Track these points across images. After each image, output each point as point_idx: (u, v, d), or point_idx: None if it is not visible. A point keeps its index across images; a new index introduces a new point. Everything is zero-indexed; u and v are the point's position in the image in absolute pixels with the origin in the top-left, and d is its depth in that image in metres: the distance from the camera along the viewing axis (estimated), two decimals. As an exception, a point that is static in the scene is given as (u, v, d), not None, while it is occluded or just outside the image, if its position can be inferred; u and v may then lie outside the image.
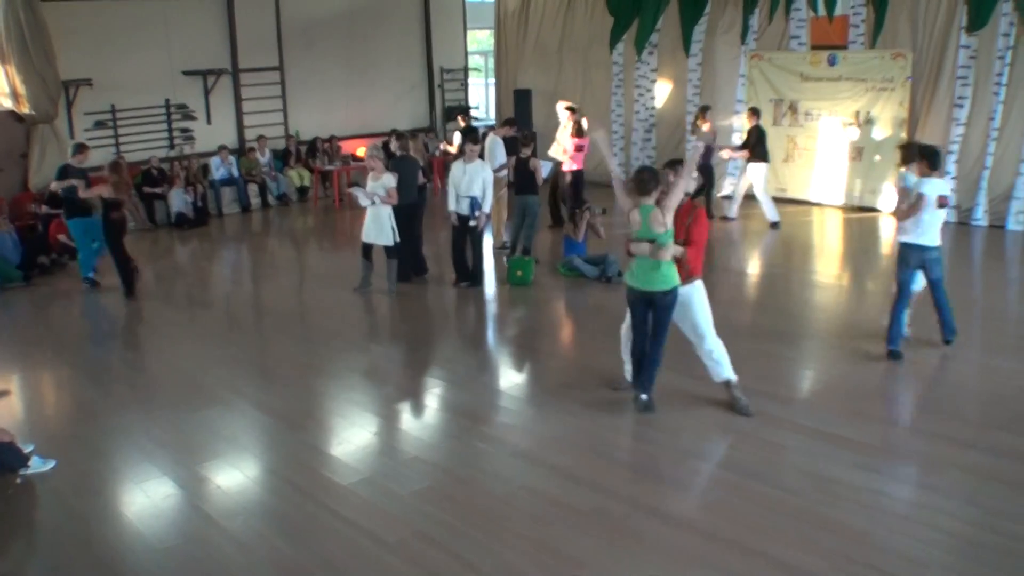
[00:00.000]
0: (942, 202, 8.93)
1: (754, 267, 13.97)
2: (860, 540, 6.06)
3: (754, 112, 15.81)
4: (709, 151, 15.24)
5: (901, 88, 15.73)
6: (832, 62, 16.55)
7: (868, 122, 16.11)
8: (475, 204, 11.92)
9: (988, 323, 10.47)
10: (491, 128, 16.62)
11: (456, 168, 11.97)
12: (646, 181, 7.66)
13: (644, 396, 8.00)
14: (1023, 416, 8.10)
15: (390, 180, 11.89)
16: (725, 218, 16.20)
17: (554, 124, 17.89)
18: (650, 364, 7.99)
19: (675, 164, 7.94)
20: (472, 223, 12.08)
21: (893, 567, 5.73)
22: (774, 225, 15.55)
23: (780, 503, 6.61)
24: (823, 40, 16.77)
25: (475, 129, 16.18)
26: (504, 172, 14.03)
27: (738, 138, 16.76)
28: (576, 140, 15.33)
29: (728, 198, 16.67)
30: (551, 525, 6.38)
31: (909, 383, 8.85)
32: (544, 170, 13.50)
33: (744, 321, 10.69)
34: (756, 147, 15.49)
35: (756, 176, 15.67)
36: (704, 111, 16.34)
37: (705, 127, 15.86)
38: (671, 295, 7.68)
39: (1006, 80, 14.60)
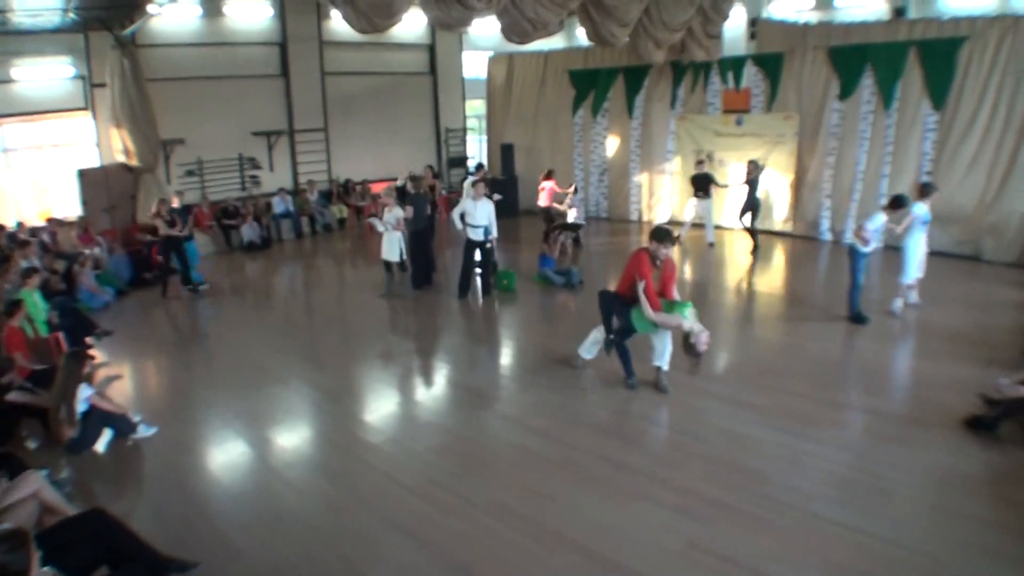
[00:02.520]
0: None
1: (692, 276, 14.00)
2: (761, 478, 6.13)
3: (700, 163, 15.79)
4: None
5: (791, 141, 15.77)
6: (739, 122, 16.58)
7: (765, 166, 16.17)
8: (487, 231, 11.95)
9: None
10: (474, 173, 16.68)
11: (468, 204, 11.93)
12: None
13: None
14: (883, 384, 8.18)
15: (399, 212, 12.09)
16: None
17: (532, 169, 18.02)
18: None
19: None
20: (488, 245, 12.11)
21: (787, 497, 5.82)
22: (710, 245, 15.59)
23: (702, 452, 6.66)
24: (732, 106, 16.80)
25: (488, 179, 16.27)
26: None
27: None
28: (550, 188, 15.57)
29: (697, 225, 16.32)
30: (530, 470, 6.42)
31: (798, 360, 8.87)
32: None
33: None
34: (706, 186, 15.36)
35: (708, 208, 15.64)
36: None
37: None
38: None
39: (868, 135, 14.67)
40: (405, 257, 12.41)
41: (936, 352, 8.96)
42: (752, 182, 14.41)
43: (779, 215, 16.29)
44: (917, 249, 10.17)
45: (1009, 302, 10.98)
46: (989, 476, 6.12)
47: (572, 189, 16.01)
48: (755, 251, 14.70)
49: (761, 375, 8.41)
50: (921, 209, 10.04)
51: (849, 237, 9.89)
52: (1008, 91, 12.97)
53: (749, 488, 5.98)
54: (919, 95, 13.92)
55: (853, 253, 9.87)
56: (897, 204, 9.77)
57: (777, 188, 16.18)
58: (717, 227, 15.99)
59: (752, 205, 14.56)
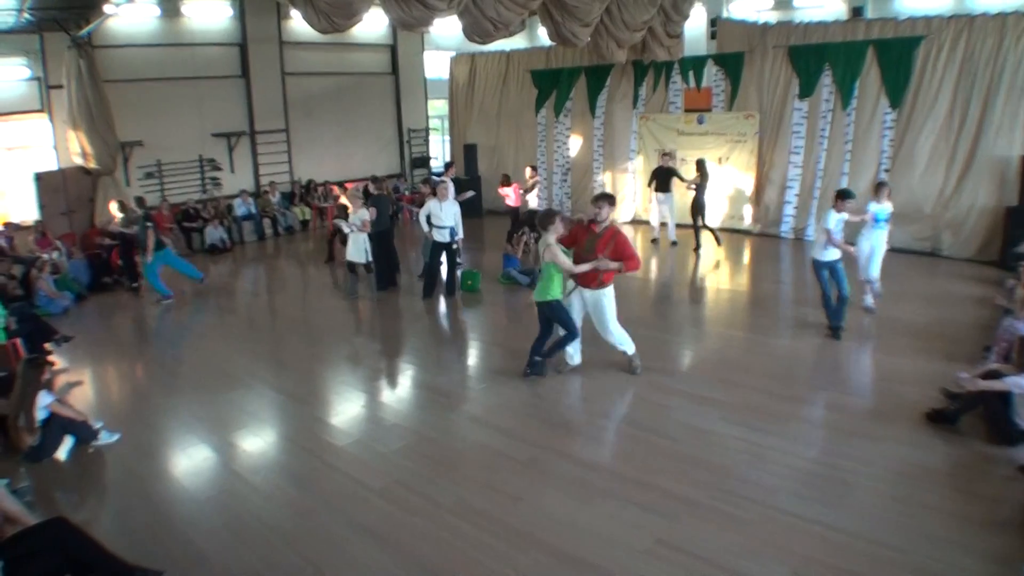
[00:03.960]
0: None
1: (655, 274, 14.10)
2: (726, 474, 6.19)
3: (668, 155, 15.84)
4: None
5: (752, 140, 15.94)
6: (700, 121, 16.70)
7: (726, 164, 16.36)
8: (452, 232, 11.95)
9: (817, 312, 10.60)
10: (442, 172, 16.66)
11: (434, 205, 11.84)
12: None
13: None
14: (846, 379, 8.30)
15: (364, 214, 12.07)
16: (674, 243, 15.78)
17: (496, 169, 17.97)
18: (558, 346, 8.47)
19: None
20: (455, 246, 12.15)
21: (751, 493, 5.87)
22: (674, 243, 15.61)
23: (667, 449, 6.70)
24: (693, 105, 16.92)
25: (459, 180, 16.28)
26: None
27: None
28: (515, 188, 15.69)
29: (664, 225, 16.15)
30: (497, 471, 6.42)
31: (760, 357, 8.96)
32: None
33: (643, 314, 10.80)
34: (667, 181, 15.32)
35: (671, 205, 15.63)
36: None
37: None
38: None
39: (828, 134, 14.88)
40: (371, 259, 12.38)
41: (898, 347, 9.10)
42: (700, 182, 14.61)
43: (740, 213, 16.46)
44: (866, 248, 10.31)
45: (968, 297, 11.17)
46: (951, 468, 6.23)
47: (530, 174, 15.93)
48: (697, 249, 14.82)
49: (725, 372, 8.49)
50: (875, 207, 10.20)
51: (814, 248, 9.77)
52: (964, 89, 13.22)
53: (714, 484, 6.03)
54: (877, 93, 14.15)
55: (816, 265, 9.57)
56: (843, 196, 9.51)
57: (738, 186, 16.35)
58: (678, 225, 15.93)
59: (698, 204, 14.68)
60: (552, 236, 7.84)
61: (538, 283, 8.19)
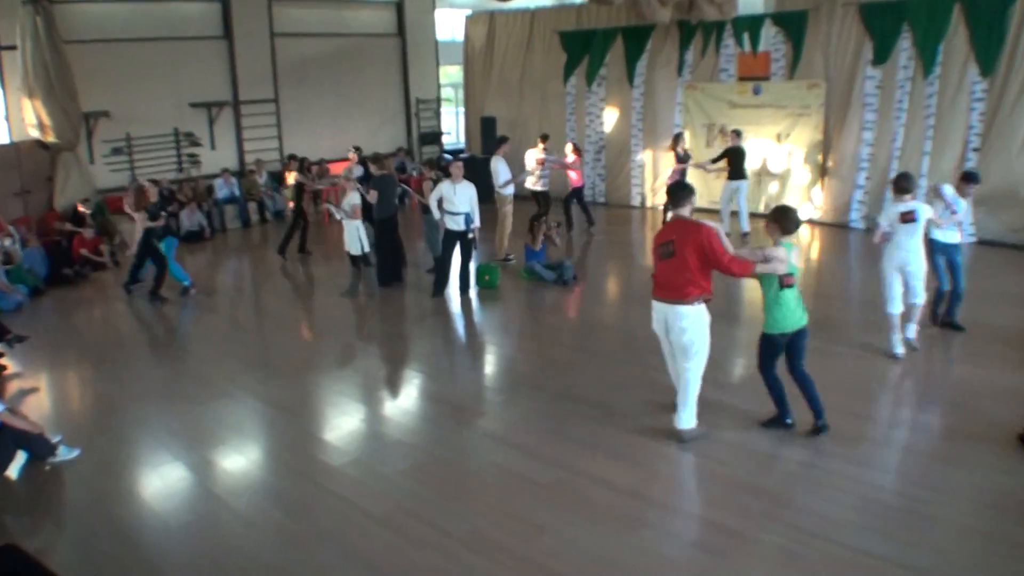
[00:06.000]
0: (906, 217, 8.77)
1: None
2: (783, 503, 6.14)
3: (736, 133, 15.26)
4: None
5: (816, 113, 15.84)
6: (756, 91, 16.63)
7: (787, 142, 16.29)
8: (468, 219, 11.88)
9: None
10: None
11: (446, 187, 11.76)
12: (795, 218, 7.09)
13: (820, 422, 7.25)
14: (924, 394, 8.24)
15: (355, 198, 12.07)
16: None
17: (518, 145, 17.88)
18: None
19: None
20: (470, 235, 12.04)
21: (813, 526, 5.81)
22: (744, 235, 15.19)
23: (713, 472, 6.68)
24: (749, 72, 16.83)
25: (474, 159, 16.28)
26: (511, 188, 14.08)
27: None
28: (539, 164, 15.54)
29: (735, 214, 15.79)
30: (516, 496, 6.42)
31: (825, 367, 8.87)
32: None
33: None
34: (735, 165, 15.10)
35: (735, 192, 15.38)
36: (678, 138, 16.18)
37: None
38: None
39: (906, 107, 14.75)
40: (368, 249, 12.38)
41: (987, 357, 9.00)
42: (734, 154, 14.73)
43: (801, 198, 16.35)
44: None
45: (1071, 299, 11.06)
46: (1048, 499, 6.18)
47: (542, 148, 15.80)
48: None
49: (784, 385, 8.41)
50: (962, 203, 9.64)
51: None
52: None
53: (770, 515, 6.00)
54: (965, 59, 14.00)
55: (931, 244, 9.27)
56: (970, 179, 9.35)
57: (800, 167, 16.28)
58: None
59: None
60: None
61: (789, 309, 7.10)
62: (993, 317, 10.26)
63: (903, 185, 8.75)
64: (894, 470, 6.67)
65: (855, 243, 14.91)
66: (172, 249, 12.84)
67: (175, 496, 6.69)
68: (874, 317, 10.27)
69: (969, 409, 7.74)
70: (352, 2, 20.54)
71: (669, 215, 7.33)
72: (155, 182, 13.67)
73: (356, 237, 12.13)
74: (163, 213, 12.69)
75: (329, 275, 13.69)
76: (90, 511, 6.49)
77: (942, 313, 9.82)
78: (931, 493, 6.22)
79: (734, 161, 15.16)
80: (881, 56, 14.90)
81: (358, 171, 14.97)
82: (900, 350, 8.99)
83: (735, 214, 15.51)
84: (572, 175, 15.95)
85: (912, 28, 14.43)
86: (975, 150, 13.96)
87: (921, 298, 8.92)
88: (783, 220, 6.95)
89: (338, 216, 12.26)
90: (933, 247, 9.37)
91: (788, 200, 16.02)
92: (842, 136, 15.72)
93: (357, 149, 17.35)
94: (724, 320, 9.30)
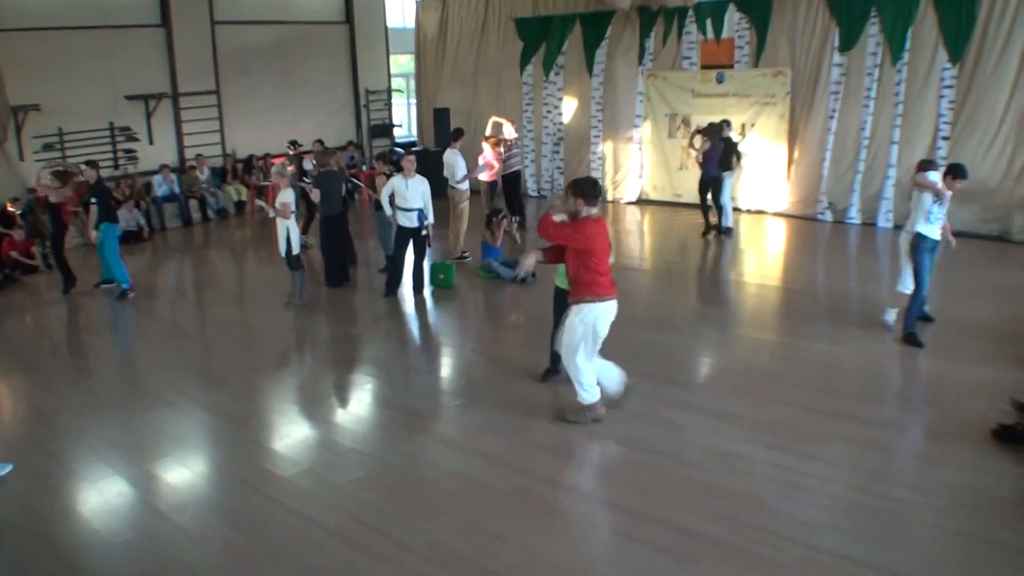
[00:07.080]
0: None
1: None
2: (754, 506, 6.18)
3: (726, 124, 15.07)
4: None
5: (782, 102, 15.99)
6: (720, 80, 16.76)
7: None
8: (421, 216, 11.84)
9: (863, 309, 10.65)
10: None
11: (399, 183, 11.74)
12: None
13: None
14: (897, 391, 8.33)
15: (288, 195, 11.71)
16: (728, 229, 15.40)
17: (472, 137, 17.82)
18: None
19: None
20: (423, 233, 11.98)
21: (785, 529, 5.86)
22: (727, 231, 15.16)
23: (683, 476, 6.70)
24: (712, 60, 16.97)
25: (426, 152, 16.16)
26: (467, 183, 14.02)
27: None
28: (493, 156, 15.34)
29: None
30: (477, 505, 6.41)
31: (794, 365, 8.98)
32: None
33: (651, 315, 10.81)
34: (723, 158, 14.86)
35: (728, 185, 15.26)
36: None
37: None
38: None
39: (874, 94, 14.94)
40: (296, 252, 11.82)
41: (960, 352, 9.13)
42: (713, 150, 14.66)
43: (767, 191, 16.48)
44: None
45: (1045, 291, 11.23)
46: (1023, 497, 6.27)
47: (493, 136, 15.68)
48: (706, 233, 15.01)
49: (752, 383, 8.51)
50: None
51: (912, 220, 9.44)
52: (1038, 39, 13.28)
53: (740, 519, 6.03)
54: (934, 45, 14.22)
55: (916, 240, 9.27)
56: (958, 174, 9.24)
57: (765, 158, 16.42)
58: (697, 206, 15.73)
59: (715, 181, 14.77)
60: None
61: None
62: (966, 311, 10.41)
63: (929, 166, 9.34)
64: (866, 469, 6.71)
65: (821, 235, 15.05)
66: (114, 239, 12.65)
67: (115, 512, 6.59)
68: (842, 312, 10.41)
69: (942, 405, 7.86)
70: (297, -12, 20.44)
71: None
72: (92, 163, 13.30)
73: (285, 238, 11.66)
74: (93, 201, 12.45)
75: (279, 276, 13.57)
76: (24, 529, 6.37)
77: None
78: (904, 492, 6.30)
79: (724, 152, 15.07)
80: (848, 42, 15.08)
81: (307, 166, 14.86)
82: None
83: (712, 207, 15.31)
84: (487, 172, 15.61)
85: (880, 13, 14.62)
86: (945, 139, 14.16)
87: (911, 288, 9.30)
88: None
89: (271, 215, 12.03)
90: (923, 244, 9.23)
91: (754, 193, 16.19)
92: (808, 125, 15.89)
93: (293, 143, 17.23)
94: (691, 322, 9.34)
